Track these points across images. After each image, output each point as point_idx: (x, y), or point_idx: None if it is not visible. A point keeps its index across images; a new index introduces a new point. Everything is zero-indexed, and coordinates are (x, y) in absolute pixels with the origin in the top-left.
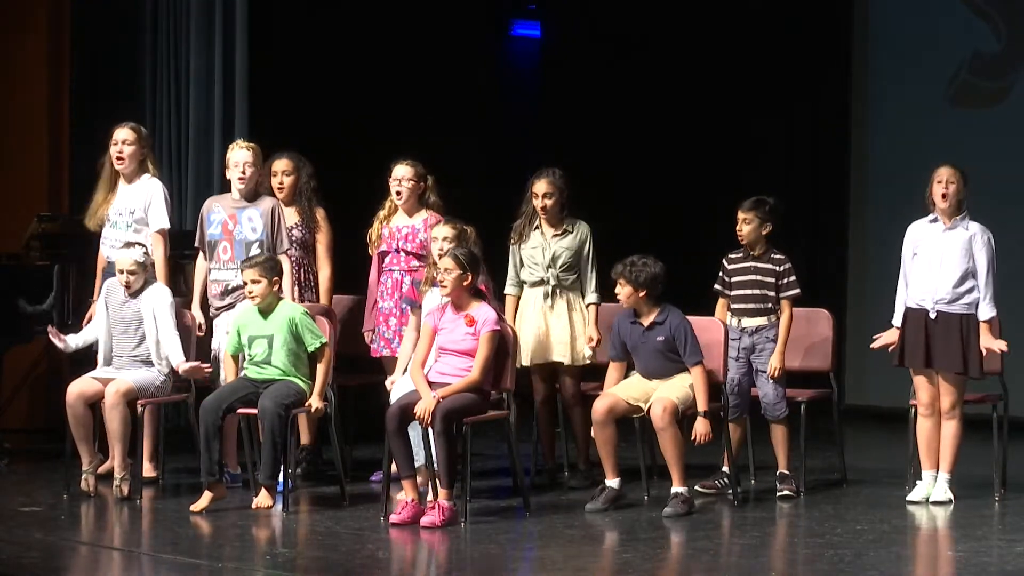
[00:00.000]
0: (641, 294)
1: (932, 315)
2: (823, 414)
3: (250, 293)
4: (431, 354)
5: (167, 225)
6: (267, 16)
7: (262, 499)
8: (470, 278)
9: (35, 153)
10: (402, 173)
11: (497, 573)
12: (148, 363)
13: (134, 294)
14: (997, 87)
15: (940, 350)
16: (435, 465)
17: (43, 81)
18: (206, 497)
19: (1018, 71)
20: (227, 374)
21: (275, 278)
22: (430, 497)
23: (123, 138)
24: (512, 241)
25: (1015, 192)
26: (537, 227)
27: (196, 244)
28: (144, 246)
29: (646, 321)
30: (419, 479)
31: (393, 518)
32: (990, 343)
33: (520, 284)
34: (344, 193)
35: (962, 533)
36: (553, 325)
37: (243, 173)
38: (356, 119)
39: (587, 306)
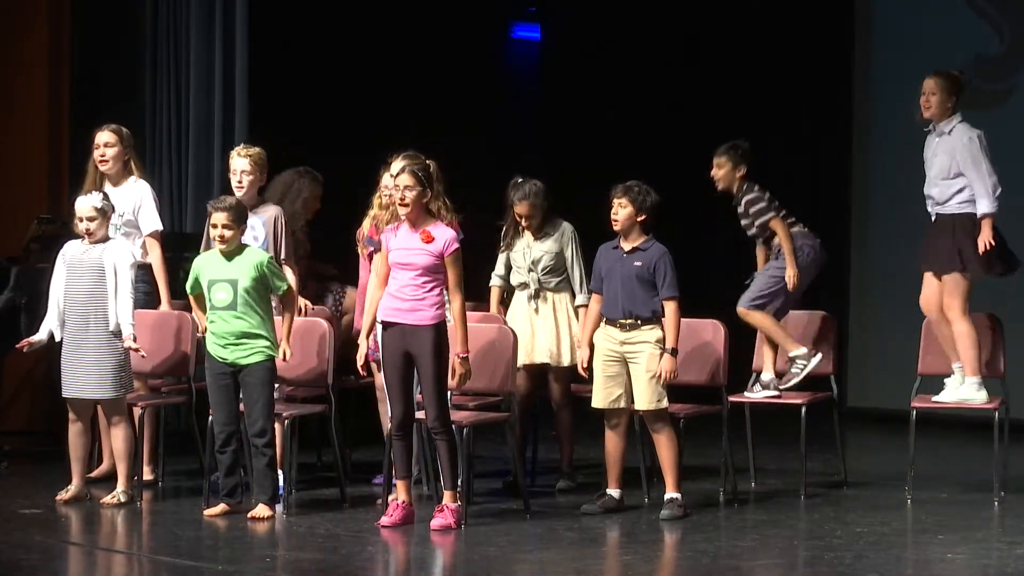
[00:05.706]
0: (640, 218)
1: (933, 218)
2: (824, 416)
3: (221, 237)
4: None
5: (160, 227)
6: (267, 16)
7: (260, 511)
8: (429, 194)
9: (35, 154)
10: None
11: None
12: (99, 327)
13: (95, 243)
14: (999, 89)
15: (932, 251)
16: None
17: (43, 81)
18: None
19: (1021, 73)
20: (197, 316)
21: (243, 226)
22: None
23: (104, 141)
24: (501, 249)
25: (1015, 194)
26: (521, 230)
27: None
28: (106, 195)
29: (628, 246)
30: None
31: (384, 520)
32: (980, 239)
33: (505, 279)
34: (343, 194)
35: (962, 535)
36: (538, 327)
37: (239, 182)
38: (356, 120)
39: (576, 308)
